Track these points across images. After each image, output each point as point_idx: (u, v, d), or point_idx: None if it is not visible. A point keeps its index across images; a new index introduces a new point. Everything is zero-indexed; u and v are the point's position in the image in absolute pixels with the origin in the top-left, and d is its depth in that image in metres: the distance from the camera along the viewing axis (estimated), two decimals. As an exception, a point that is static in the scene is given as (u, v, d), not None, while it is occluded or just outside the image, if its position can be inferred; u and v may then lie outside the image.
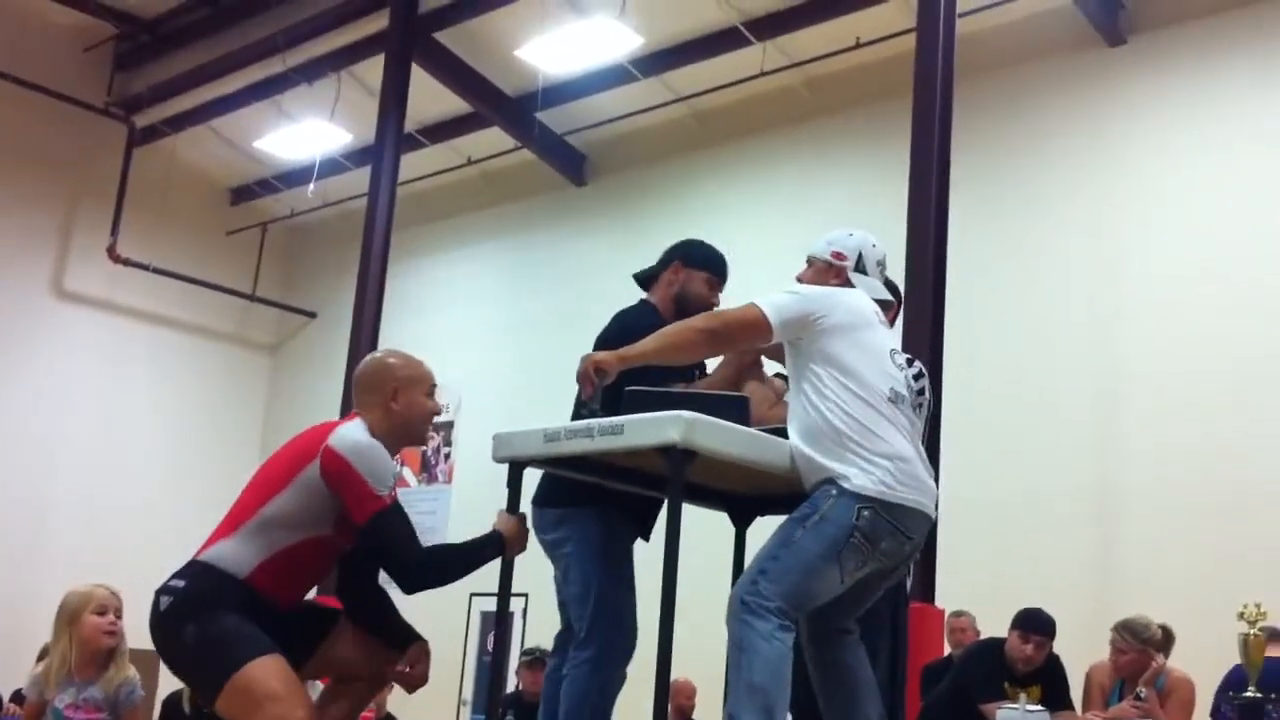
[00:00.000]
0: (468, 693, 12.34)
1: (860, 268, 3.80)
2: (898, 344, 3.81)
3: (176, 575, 3.38)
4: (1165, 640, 5.86)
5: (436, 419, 3.72)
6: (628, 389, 3.53)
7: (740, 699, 3.27)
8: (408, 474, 13.64)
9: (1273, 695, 5.18)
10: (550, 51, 11.64)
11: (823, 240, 3.86)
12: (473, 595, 12.01)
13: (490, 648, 11.85)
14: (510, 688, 8.62)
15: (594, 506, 3.86)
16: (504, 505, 3.70)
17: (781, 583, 3.34)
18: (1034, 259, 9.97)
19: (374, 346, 10.58)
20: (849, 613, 3.63)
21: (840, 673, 3.64)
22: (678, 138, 12.53)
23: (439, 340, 12.72)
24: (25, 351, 13.85)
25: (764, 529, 3.64)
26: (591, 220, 12.96)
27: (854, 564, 3.40)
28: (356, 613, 3.62)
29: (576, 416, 3.60)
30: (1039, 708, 5.48)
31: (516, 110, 12.75)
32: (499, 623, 3.84)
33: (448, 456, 13.71)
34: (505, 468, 3.71)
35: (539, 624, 8.10)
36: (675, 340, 3.56)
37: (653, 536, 3.95)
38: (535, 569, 4.04)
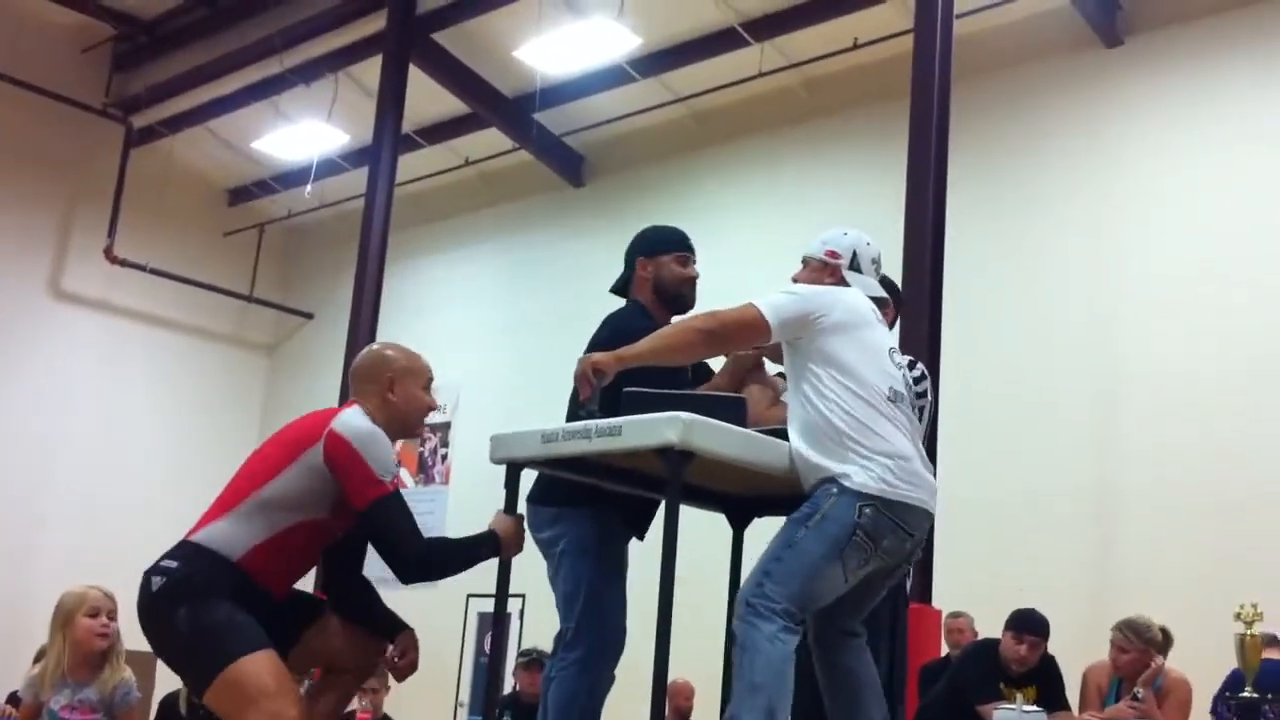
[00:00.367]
0: (464, 694, 12.32)
1: (855, 266, 3.79)
2: (896, 343, 3.81)
3: (167, 555, 3.34)
4: (1164, 642, 5.87)
5: (434, 419, 3.72)
6: (625, 390, 3.52)
7: (742, 699, 3.27)
8: (405, 475, 13.61)
9: (1269, 696, 5.17)
10: (548, 52, 11.65)
11: (817, 240, 3.86)
12: (470, 596, 12.00)
13: (487, 648, 11.85)
14: (507, 689, 8.61)
15: (590, 507, 3.85)
16: (501, 506, 3.69)
17: (787, 584, 3.33)
18: (1032, 259, 9.97)
19: (371, 347, 10.55)
20: (853, 614, 3.63)
21: (844, 676, 3.64)
22: (676, 138, 12.52)
23: (437, 341, 12.64)
24: (23, 352, 13.85)
25: (761, 530, 3.64)
26: (589, 221, 12.94)
27: (856, 562, 3.40)
28: (342, 604, 3.61)
29: (573, 418, 3.59)
30: (1036, 708, 5.48)
31: (514, 111, 12.75)
32: (496, 623, 3.84)
33: (445, 457, 13.70)
34: (503, 469, 3.70)
35: (536, 625, 8.09)
36: (673, 341, 3.56)
37: (649, 537, 3.94)
38: (533, 569, 4.03)
